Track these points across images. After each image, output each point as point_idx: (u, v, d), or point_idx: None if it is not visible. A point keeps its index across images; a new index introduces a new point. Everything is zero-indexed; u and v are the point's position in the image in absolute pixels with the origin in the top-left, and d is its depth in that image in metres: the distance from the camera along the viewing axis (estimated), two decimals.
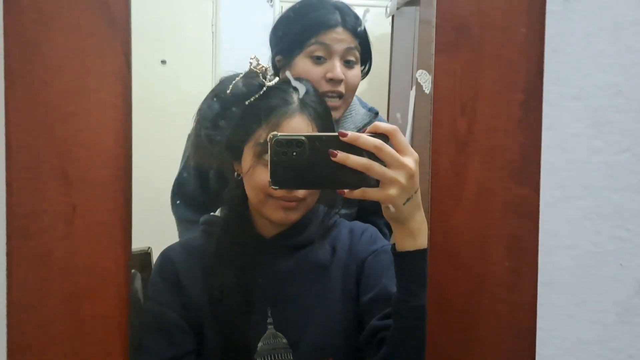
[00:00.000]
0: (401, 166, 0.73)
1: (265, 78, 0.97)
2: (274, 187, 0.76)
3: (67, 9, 0.54)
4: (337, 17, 1.24)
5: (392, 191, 0.73)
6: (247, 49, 1.31)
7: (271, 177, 0.75)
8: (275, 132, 0.75)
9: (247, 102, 0.95)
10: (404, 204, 0.75)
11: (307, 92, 0.99)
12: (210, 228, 1.04)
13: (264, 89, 0.95)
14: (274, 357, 0.96)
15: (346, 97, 1.25)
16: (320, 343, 0.97)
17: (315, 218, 1.02)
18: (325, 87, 1.21)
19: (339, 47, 1.22)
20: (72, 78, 0.54)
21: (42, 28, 0.54)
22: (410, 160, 0.74)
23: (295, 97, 0.96)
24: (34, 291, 0.55)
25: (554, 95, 0.56)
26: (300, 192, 0.91)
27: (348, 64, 1.23)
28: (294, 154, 0.74)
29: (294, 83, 0.97)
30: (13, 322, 0.55)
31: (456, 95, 0.55)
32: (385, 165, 0.74)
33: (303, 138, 0.74)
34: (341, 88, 1.23)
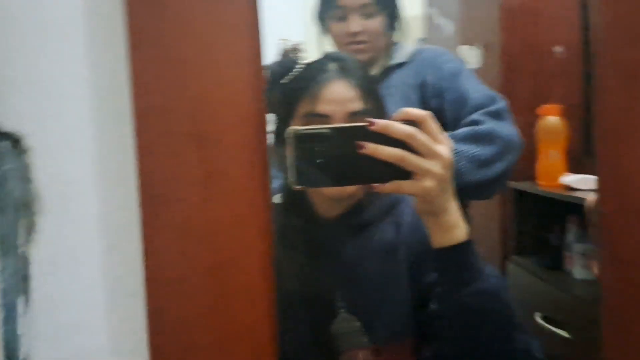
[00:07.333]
0: (436, 155, 0.68)
1: (297, 55, 0.98)
2: (297, 186, 0.69)
3: None
4: None
5: (428, 183, 0.68)
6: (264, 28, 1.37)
7: (294, 176, 0.69)
8: (295, 127, 0.69)
9: (282, 81, 0.94)
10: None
11: (344, 60, 0.96)
12: None
13: (298, 65, 0.94)
14: (349, 341, 0.93)
15: (370, 41, 1.48)
16: (394, 324, 0.92)
17: (375, 195, 0.98)
18: (348, 39, 1.47)
19: (354, 4, 1.46)
20: (203, 32, 0.50)
21: None
22: (444, 148, 0.69)
23: (332, 66, 0.93)
24: (173, 263, 0.52)
25: None
26: None
27: (366, 16, 1.47)
28: (317, 149, 0.67)
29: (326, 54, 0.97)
30: (152, 297, 0.52)
31: (626, 27, 0.50)
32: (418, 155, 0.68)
33: (327, 131, 0.67)
34: (361, 37, 1.47)
